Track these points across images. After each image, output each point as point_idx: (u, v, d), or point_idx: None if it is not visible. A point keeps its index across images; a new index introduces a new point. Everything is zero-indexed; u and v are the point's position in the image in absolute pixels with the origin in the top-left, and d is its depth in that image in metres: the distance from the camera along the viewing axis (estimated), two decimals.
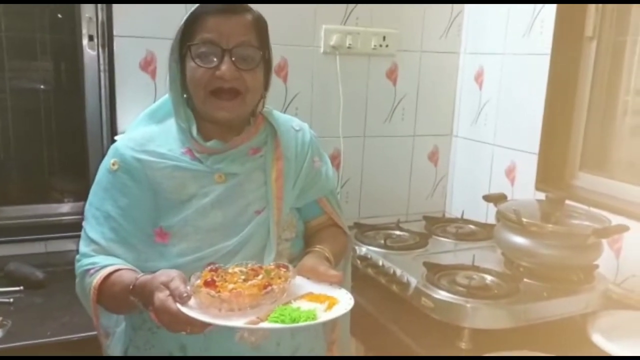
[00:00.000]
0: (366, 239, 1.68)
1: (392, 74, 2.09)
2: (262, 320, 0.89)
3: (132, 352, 1.14)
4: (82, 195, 1.93)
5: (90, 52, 1.83)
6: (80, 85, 1.85)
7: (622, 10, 1.70)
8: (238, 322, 0.89)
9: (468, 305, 1.26)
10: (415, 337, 1.33)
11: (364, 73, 2.04)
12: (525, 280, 1.38)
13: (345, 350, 1.29)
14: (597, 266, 1.42)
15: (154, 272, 0.97)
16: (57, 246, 1.82)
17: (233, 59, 1.03)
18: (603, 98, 1.77)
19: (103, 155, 1.84)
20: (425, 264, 1.42)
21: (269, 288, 0.94)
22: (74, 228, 1.83)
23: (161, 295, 0.90)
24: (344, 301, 0.97)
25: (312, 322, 0.90)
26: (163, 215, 1.07)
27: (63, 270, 1.67)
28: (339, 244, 1.20)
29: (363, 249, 1.61)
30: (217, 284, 0.93)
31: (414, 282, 1.38)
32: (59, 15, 1.87)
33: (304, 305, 0.94)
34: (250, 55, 1.05)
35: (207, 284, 0.93)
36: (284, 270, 1.00)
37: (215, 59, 1.04)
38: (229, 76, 1.03)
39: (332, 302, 0.96)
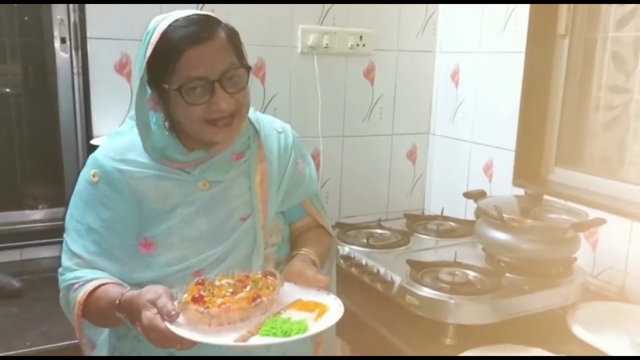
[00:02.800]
0: (348, 238, 1.69)
1: (369, 74, 2.09)
2: (252, 335, 0.89)
3: None
4: (56, 201, 1.91)
5: (62, 55, 1.79)
6: (53, 88, 1.82)
7: (593, 8, 1.74)
8: (228, 338, 0.88)
9: (452, 301, 1.27)
10: (400, 335, 1.33)
11: (341, 73, 2.04)
12: (506, 274, 1.40)
13: (331, 350, 1.29)
14: (575, 259, 1.45)
15: (139, 283, 0.96)
16: (32, 254, 1.79)
17: (223, 86, 0.99)
18: (576, 94, 1.81)
19: (78, 160, 1.85)
20: (408, 261, 1.42)
21: (258, 300, 0.93)
22: (49, 235, 1.80)
23: (149, 314, 0.89)
24: (334, 308, 0.97)
25: (303, 335, 0.89)
26: (147, 226, 1.05)
27: (39, 278, 1.63)
28: (324, 245, 1.20)
29: (346, 249, 1.61)
30: (205, 299, 0.92)
31: (398, 280, 1.38)
32: (26, 18, 1.82)
33: (294, 315, 0.94)
34: (238, 76, 1.02)
35: (195, 299, 0.92)
36: (272, 278, 0.99)
37: (205, 93, 0.99)
38: (225, 109, 1.00)
39: (322, 310, 0.96)
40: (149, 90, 1.04)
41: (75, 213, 1.08)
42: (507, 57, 1.87)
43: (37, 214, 1.90)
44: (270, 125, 1.19)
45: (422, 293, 1.31)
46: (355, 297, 1.49)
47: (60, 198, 1.88)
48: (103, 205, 1.05)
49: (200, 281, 0.98)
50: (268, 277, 0.99)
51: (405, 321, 1.35)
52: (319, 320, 0.94)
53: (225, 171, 1.09)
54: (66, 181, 1.85)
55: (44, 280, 1.60)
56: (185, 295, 0.93)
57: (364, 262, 1.53)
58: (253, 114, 1.17)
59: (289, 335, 0.89)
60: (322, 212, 1.25)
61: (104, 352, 1.15)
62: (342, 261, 1.59)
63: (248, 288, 0.95)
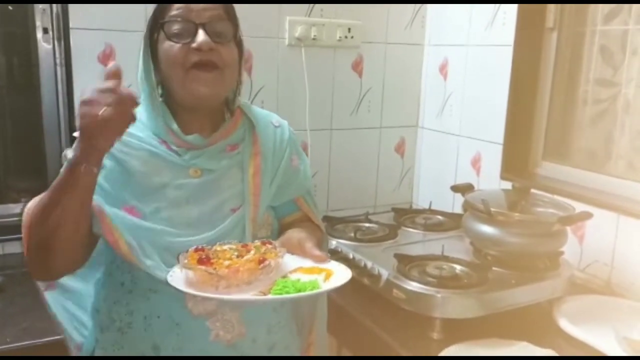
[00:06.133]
0: (336, 232, 1.67)
1: (357, 66, 2.08)
2: (265, 294, 0.88)
3: (98, 354, 1.10)
4: (39, 194, 1.87)
5: (45, 46, 1.75)
6: (35, 80, 1.78)
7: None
8: (246, 295, 0.87)
9: (439, 295, 1.27)
10: (387, 329, 1.33)
11: (329, 65, 2.03)
12: (493, 268, 1.40)
13: (321, 350, 1.28)
14: (562, 253, 1.45)
15: None
16: (14, 248, 1.75)
17: (207, 32, 1.01)
18: (564, 88, 1.81)
19: (61, 153, 1.81)
20: (396, 255, 1.42)
21: (266, 262, 0.92)
22: None
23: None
24: (340, 271, 0.97)
25: (318, 291, 0.89)
26: (135, 197, 1.02)
27: (21, 272, 1.60)
28: (316, 238, 1.18)
29: (333, 242, 1.60)
30: (212, 261, 0.91)
31: (385, 274, 1.37)
32: (10, 7, 1.78)
33: (303, 277, 0.94)
34: (224, 29, 1.03)
35: (201, 261, 0.90)
36: (271, 246, 0.98)
37: (189, 35, 1.01)
38: (205, 46, 1.00)
39: (328, 273, 0.95)
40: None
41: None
42: (496, 50, 1.87)
43: (20, 208, 1.87)
44: (267, 119, 1.18)
45: (409, 287, 1.30)
46: (342, 290, 1.45)
47: (43, 191, 1.84)
48: None
49: (200, 248, 0.96)
50: (267, 245, 0.99)
51: (392, 315, 1.35)
52: (327, 281, 0.93)
53: (218, 161, 1.08)
54: (49, 174, 1.82)
55: (26, 275, 1.57)
56: (186, 261, 0.92)
57: (351, 256, 1.52)
58: (249, 107, 1.16)
59: (304, 292, 0.88)
60: (315, 210, 1.23)
61: (87, 347, 1.13)
62: (329, 255, 1.57)
63: (252, 252, 0.95)
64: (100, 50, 1.70)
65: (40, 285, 1.14)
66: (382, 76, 2.13)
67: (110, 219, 0.97)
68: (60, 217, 0.90)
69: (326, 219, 1.78)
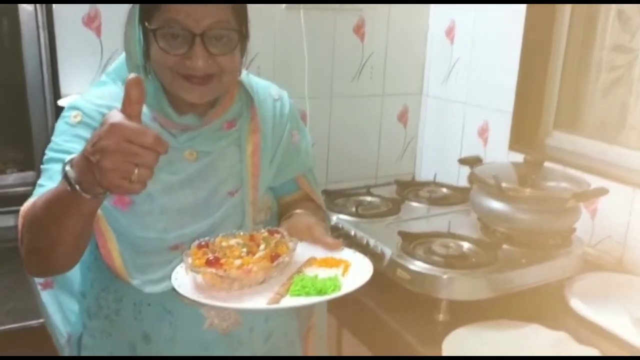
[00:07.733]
0: (336, 207, 1.60)
1: (359, 30, 1.97)
2: (282, 296, 0.81)
3: (85, 341, 1.05)
4: (25, 164, 1.79)
5: (26, 8, 1.64)
6: (17, 44, 1.67)
7: None
8: (256, 302, 0.80)
9: (445, 276, 1.20)
10: (390, 311, 1.27)
11: (330, 29, 1.92)
12: (503, 246, 1.33)
13: (321, 333, 1.22)
14: (574, 230, 1.38)
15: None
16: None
17: (205, 44, 0.88)
18: (578, 54, 1.72)
19: (47, 121, 1.72)
20: (400, 233, 1.35)
21: (280, 259, 0.85)
22: (18, 201, 1.65)
23: (119, 115, 0.70)
24: (358, 262, 0.89)
25: (340, 293, 0.82)
26: None
27: (5, 248, 1.54)
28: (319, 217, 1.10)
29: (334, 218, 1.53)
30: (221, 261, 0.83)
31: (388, 253, 1.30)
32: None
33: (320, 272, 0.86)
34: (226, 37, 0.90)
35: (210, 262, 0.82)
36: (279, 236, 0.91)
37: (184, 44, 0.88)
38: (201, 67, 0.88)
39: (346, 265, 0.88)
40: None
41: (50, 154, 0.94)
42: (506, 12, 1.75)
43: (6, 179, 1.79)
44: (266, 90, 1.08)
45: (413, 267, 1.24)
46: None
47: (29, 161, 1.77)
48: (80, 145, 0.90)
49: (204, 243, 0.89)
50: (275, 234, 0.91)
51: (396, 295, 1.29)
52: (346, 276, 0.86)
53: (215, 141, 0.99)
54: (35, 144, 1.73)
55: (11, 251, 1.51)
56: (190, 259, 0.84)
57: (352, 233, 1.45)
58: (246, 77, 1.06)
59: (325, 294, 0.81)
60: (317, 188, 1.16)
61: (74, 332, 1.07)
62: (330, 232, 1.51)
63: (262, 247, 0.87)
64: (85, 13, 1.59)
65: (38, 284, 1.07)
66: (385, 40, 2.02)
67: (106, 225, 0.90)
68: (59, 235, 0.79)
69: (325, 192, 1.70)
